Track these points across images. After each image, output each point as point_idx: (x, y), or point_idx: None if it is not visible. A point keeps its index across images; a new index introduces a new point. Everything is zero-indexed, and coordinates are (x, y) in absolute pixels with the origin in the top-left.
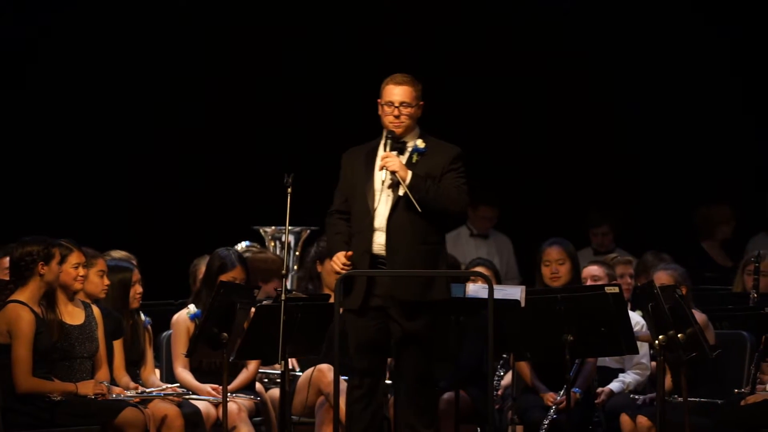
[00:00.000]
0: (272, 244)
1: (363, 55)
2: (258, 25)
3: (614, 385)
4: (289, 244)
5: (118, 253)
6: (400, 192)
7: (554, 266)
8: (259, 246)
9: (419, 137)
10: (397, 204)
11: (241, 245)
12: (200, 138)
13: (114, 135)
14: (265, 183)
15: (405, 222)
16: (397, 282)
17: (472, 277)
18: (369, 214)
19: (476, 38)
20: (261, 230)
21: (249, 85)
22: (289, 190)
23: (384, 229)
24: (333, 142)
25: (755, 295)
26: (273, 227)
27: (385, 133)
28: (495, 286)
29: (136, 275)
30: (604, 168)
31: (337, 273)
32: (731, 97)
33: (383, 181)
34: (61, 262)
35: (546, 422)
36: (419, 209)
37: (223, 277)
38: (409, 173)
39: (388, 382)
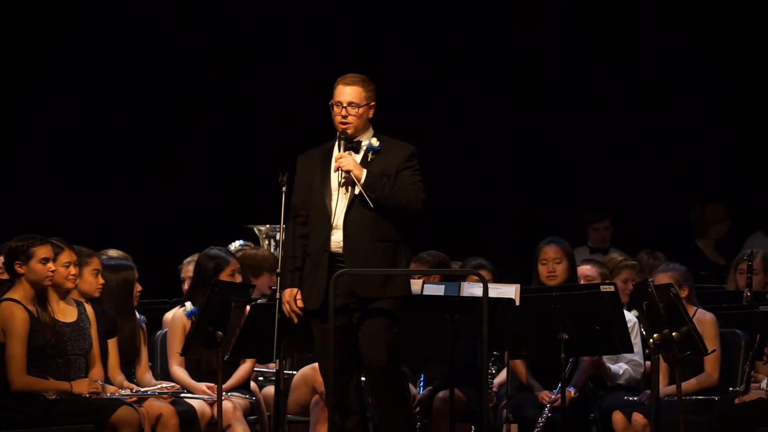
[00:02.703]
0: (266, 242)
1: (360, 54)
2: (254, 24)
3: (613, 367)
4: (284, 242)
5: (113, 252)
6: (356, 191)
7: (551, 265)
8: (252, 245)
9: (373, 136)
10: (353, 202)
11: (235, 244)
12: (194, 137)
13: (110, 134)
14: (259, 182)
15: (361, 220)
16: (356, 278)
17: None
18: (327, 212)
19: (473, 35)
20: (255, 229)
21: (244, 85)
22: (284, 188)
23: (341, 227)
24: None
25: (749, 294)
26: (267, 226)
27: (338, 134)
28: (490, 285)
29: (136, 274)
30: (600, 167)
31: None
32: (728, 95)
33: (339, 181)
34: (53, 260)
35: (541, 421)
36: (370, 204)
37: (222, 276)
38: (364, 172)
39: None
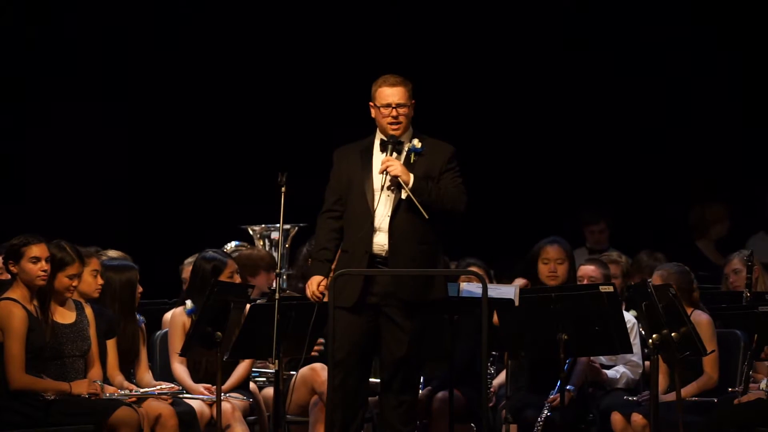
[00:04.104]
0: (261, 242)
1: (357, 53)
2: (251, 24)
3: (610, 372)
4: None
5: (113, 253)
6: (402, 195)
7: (553, 265)
8: (248, 245)
9: (414, 137)
10: (399, 206)
11: (231, 245)
12: (190, 137)
13: (110, 134)
14: (250, 182)
15: (406, 223)
16: (398, 281)
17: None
18: (369, 214)
19: (470, 36)
20: (249, 229)
21: (244, 85)
22: (283, 189)
23: (385, 230)
24: (322, 139)
25: (748, 294)
26: (261, 225)
27: (380, 138)
28: (489, 285)
29: (138, 275)
30: (598, 166)
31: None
32: (727, 95)
33: (382, 183)
34: (58, 268)
35: (540, 421)
36: (425, 214)
37: (221, 278)
38: (412, 177)
39: (375, 380)
